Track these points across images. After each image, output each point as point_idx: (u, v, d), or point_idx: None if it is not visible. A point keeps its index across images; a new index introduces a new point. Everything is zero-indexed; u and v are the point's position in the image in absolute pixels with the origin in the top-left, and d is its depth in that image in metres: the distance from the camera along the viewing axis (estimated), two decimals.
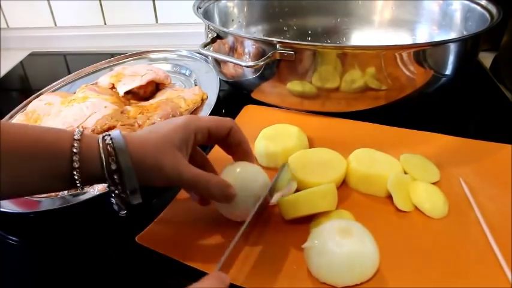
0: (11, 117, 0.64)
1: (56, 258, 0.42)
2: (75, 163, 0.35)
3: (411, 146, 0.51)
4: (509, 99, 0.64)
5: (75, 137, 0.35)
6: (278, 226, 0.42)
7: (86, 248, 0.43)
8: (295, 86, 0.55)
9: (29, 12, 0.99)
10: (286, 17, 0.79)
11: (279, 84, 0.56)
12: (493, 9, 0.60)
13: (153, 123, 0.56)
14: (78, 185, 0.36)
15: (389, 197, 0.43)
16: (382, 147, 0.48)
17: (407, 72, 0.53)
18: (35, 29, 1.01)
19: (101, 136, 0.37)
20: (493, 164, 0.48)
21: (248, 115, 0.61)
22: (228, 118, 0.41)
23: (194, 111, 0.63)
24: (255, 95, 0.62)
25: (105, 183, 0.36)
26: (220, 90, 0.66)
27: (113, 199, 0.37)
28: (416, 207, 0.42)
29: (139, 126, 0.56)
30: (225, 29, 0.60)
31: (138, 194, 0.37)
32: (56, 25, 1.00)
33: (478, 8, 0.63)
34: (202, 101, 0.64)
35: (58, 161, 0.35)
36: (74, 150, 0.35)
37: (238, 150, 0.42)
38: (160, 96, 0.65)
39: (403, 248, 0.38)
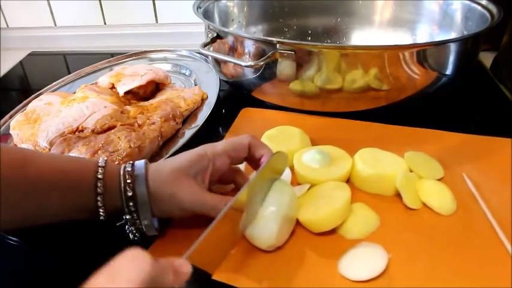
0: (10, 117, 0.64)
1: (56, 258, 0.42)
2: (99, 189, 0.36)
3: (413, 144, 0.51)
4: (510, 99, 0.64)
5: (100, 164, 0.37)
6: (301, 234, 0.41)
7: (86, 248, 0.43)
8: (295, 85, 0.55)
9: (29, 12, 0.99)
10: (286, 17, 0.79)
11: (279, 84, 0.56)
12: (493, 9, 0.59)
13: (153, 123, 0.56)
14: (102, 212, 0.37)
15: (396, 195, 0.44)
16: (384, 146, 0.48)
17: (408, 72, 0.52)
18: (35, 29, 1.01)
19: (123, 165, 0.38)
20: (495, 159, 0.48)
21: (246, 118, 0.61)
22: (244, 136, 0.41)
23: (194, 111, 0.63)
24: (255, 94, 0.62)
25: (125, 214, 0.37)
26: (220, 90, 0.66)
27: (128, 227, 0.38)
28: (424, 205, 0.43)
29: (139, 126, 0.56)
30: (225, 29, 0.60)
31: (151, 225, 0.38)
32: (55, 25, 1.00)
33: (479, 7, 0.63)
34: (202, 100, 0.64)
35: (83, 187, 0.36)
36: (99, 176, 0.36)
37: (260, 162, 0.41)
38: (160, 96, 0.65)
39: (415, 246, 0.39)
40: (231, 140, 0.41)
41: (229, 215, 0.35)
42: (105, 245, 0.43)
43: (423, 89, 0.55)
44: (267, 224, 0.37)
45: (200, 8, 0.67)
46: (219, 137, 0.61)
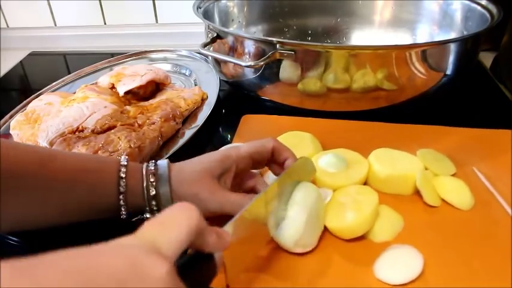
0: (11, 117, 0.64)
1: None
2: (121, 188, 0.36)
3: (420, 142, 0.51)
4: (510, 99, 0.64)
5: (122, 163, 0.37)
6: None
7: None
8: (296, 85, 0.55)
9: (29, 12, 0.99)
10: (286, 17, 0.79)
11: (279, 83, 0.56)
12: (493, 9, 0.60)
13: (153, 123, 0.56)
14: (123, 211, 0.37)
15: (414, 194, 0.44)
16: (393, 145, 0.48)
17: (408, 73, 0.52)
18: (35, 29, 1.01)
19: (145, 163, 0.38)
20: (502, 151, 0.49)
21: (249, 125, 0.59)
22: (268, 139, 0.41)
23: (194, 111, 0.63)
24: (256, 93, 0.62)
25: (146, 212, 0.37)
26: (220, 90, 0.66)
27: (146, 217, 0.38)
28: (443, 201, 0.43)
29: (140, 126, 0.56)
30: (225, 29, 0.60)
31: None
32: (56, 25, 1.00)
33: (478, 7, 0.63)
34: (202, 100, 0.64)
35: (105, 185, 0.36)
36: (121, 174, 0.36)
37: (284, 166, 0.41)
38: (160, 96, 0.65)
39: (443, 243, 0.39)
40: (255, 143, 0.41)
41: (255, 225, 0.35)
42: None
43: (423, 89, 0.55)
44: (293, 220, 0.37)
45: (200, 8, 0.67)
46: (219, 137, 0.61)
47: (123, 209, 0.37)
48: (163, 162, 0.38)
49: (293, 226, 0.37)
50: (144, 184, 0.37)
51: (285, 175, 0.38)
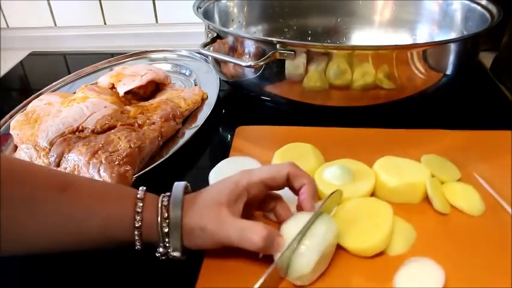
0: (11, 117, 0.64)
1: (56, 259, 0.42)
2: (137, 223, 0.36)
3: (421, 146, 0.50)
4: (510, 99, 0.64)
5: (139, 196, 0.37)
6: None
7: (85, 252, 0.43)
8: (297, 84, 0.55)
9: (29, 12, 0.99)
10: (286, 17, 0.79)
11: (279, 83, 0.56)
12: (493, 9, 0.60)
13: (153, 123, 0.56)
14: (138, 244, 0.37)
15: (422, 202, 0.43)
16: (395, 152, 0.47)
17: (408, 73, 0.52)
18: (35, 29, 1.01)
19: (161, 197, 0.37)
20: (502, 152, 0.49)
21: (245, 137, 0.56)
22: (284, 164, 0.39)
23: (194, 111, 0.63)
24: (256, 93, 0.62)
25: (159, 247, 0.37)
26: (220, 90, 0.66)
27: (159, 251, 0.37)
28: (453, 208, 0.42)
29: (140, 126, 0.56)
30: (225, 29, 0.60)
31: (179, 252, 0.37)
32: (56, 25, 1.00)
33: (478, 7, 0.63)
34: (202, 100, 0.64)
35: (121, 218, 0.36)
36: (137, 209, 0.36)
37: (300, 193, 0.39)
38: (160, 96, 0.65)
39: (460, 252, 0.38)
40: (269, 169, 0.39)
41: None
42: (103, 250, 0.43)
43: (423, 89, 0.55)
44: (305, 256, 0.35)
45: (200, 8, 0.67)
46: (219, 137, 0.61)
47: (137, 243, 0.37)
48: (178, 193, 0.37)
49: (302, 262, 0.35)
50: (159, 220, 0.36)
51: (315, 216, 0.37)
